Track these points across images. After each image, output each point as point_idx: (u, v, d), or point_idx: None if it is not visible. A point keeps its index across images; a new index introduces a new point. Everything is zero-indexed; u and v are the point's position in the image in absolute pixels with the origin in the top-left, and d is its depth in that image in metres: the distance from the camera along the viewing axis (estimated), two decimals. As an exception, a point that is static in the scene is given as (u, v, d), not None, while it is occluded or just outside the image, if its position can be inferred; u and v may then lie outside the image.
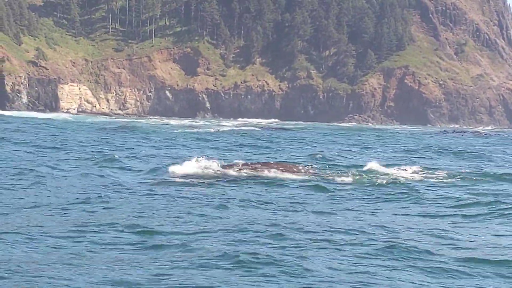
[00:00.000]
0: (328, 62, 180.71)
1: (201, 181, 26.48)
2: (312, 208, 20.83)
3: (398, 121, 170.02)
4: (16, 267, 12.91)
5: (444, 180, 29.47)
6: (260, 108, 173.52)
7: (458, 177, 30.70)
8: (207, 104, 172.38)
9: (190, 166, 29.25)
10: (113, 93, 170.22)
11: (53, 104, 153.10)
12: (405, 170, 32.65)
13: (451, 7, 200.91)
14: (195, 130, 79.91)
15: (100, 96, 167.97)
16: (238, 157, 36.64)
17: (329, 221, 18.64)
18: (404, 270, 13.62)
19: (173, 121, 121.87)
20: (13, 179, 25.59)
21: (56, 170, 29.06)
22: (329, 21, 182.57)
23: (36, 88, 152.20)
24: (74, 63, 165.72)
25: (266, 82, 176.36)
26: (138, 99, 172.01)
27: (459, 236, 17.28)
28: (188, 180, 26.59)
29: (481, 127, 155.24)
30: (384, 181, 27.82)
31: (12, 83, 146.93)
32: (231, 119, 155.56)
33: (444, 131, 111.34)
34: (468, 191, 26.00)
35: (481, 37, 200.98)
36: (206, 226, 17.26)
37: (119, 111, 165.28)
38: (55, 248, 14.57)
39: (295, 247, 15.13)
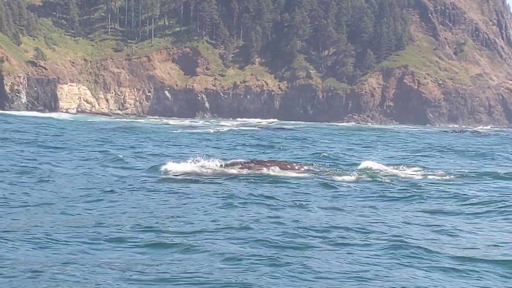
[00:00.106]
0: (327, 62, 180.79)
1: (204, 180, 26.49)
2: (316, 205, 20.81)
3: (398, 121, 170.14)
4: (19, 266, 12.89)
5: (449, 178, 29.49)
6: (259, 108, 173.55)
7: (462, 175, 30.81)
8: (206, 104, 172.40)
9: (193, 165, 29.26)
10: (112, 93, 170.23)
11: (52, 104, 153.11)
12: (409, 168, 32.65)
13: (450, 7, 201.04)
14: (195, 130, 79.85)
15: (99, 96, 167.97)
16: (240, 157, 36.61)
17: (333, 219, 18.63)
18: (407, 268, 13.61)
19: (172, 121, 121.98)
20: (16, 178, 25.56)
21: (60, 169, 29.09)
22: (328, 21, 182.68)
23: (35, 88, 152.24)
24: (73, 63, 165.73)
25: (265, 82, 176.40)
26: (137, 99, 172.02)
27: (468, 234, 17.28)
28: (191, 178, 26.61)
29: (480, 127, 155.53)
30: (388, 180, 27.85)
31: (11, 83, 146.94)
32: (230, 119, 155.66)
33: (444, 131, 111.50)
34: (472, 189, 26.01)
35: (480, 36, 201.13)
36: (210, 224, 17.24)
37: (118, 111, 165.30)
38: (58, 247, 14.54)
39: (298, 245, 15.12)
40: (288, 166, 30.54)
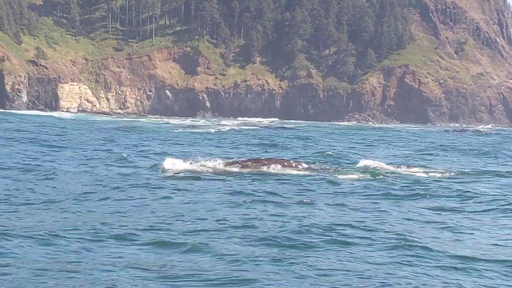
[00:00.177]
0: (328, 61, 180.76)
1: (207, 178, 26.51)
2: (319, 204, 20.80)
3: (398, 120, 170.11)
4: (22, 264, 12.88)
5: (452, 176, 29.51)
6: (260, 107, 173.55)
7: (465, 173, 30.84)
8: (207, 103, 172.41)
9: (196, 164, 29.34)
10: (113, 92, 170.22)
11: (53, 103, 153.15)
12: (412, 166, 32.65)
13: (451, 6, 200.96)
14: (196, 130, 79.83)
15: (100, 95, 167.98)
16: (243, 155, 36.62)
17: (337, 217, 18.63)
18: (410, 266, 13.61)
19: (173, 121, 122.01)
20: (19, 175, 25.58)
21: (63, 167, 29.09)
22: (329, 20, 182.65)
23: (36, 88, 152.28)
24: (74, 62, 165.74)
25: (266, 81, 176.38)
26: (138, 98, 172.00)
27: (471, 232, 17.29)
28: (194, 176, 26.66)
29: (481, 126, 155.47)
30: (391, 178, 27.85)
31: (12, 82, 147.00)
32: (231, 118, 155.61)
33: (445, 130, 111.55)
34: (474, 187, 26.00)
35: (481, 35, 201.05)
36: (214, 223, 17.24)
37: (119, 110, 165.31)
38: (61, 244, 14.52)
39: (302, 243, 15.12)
40: (291, 164, 30.56)
